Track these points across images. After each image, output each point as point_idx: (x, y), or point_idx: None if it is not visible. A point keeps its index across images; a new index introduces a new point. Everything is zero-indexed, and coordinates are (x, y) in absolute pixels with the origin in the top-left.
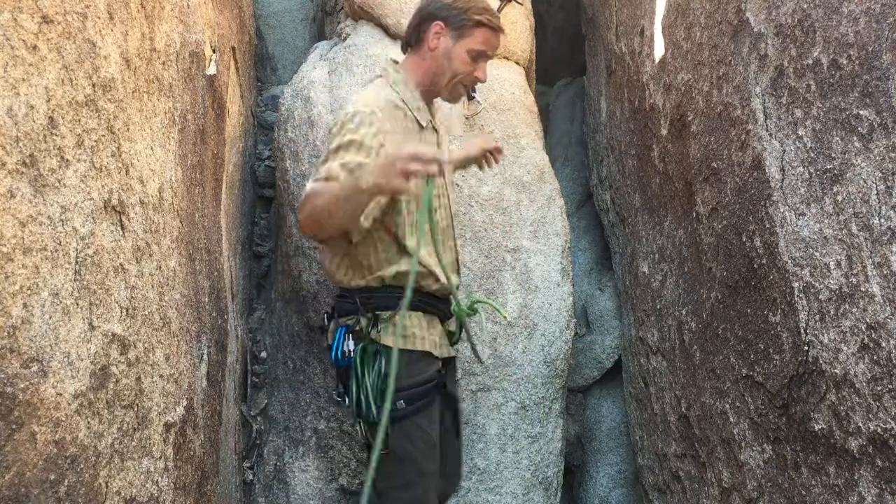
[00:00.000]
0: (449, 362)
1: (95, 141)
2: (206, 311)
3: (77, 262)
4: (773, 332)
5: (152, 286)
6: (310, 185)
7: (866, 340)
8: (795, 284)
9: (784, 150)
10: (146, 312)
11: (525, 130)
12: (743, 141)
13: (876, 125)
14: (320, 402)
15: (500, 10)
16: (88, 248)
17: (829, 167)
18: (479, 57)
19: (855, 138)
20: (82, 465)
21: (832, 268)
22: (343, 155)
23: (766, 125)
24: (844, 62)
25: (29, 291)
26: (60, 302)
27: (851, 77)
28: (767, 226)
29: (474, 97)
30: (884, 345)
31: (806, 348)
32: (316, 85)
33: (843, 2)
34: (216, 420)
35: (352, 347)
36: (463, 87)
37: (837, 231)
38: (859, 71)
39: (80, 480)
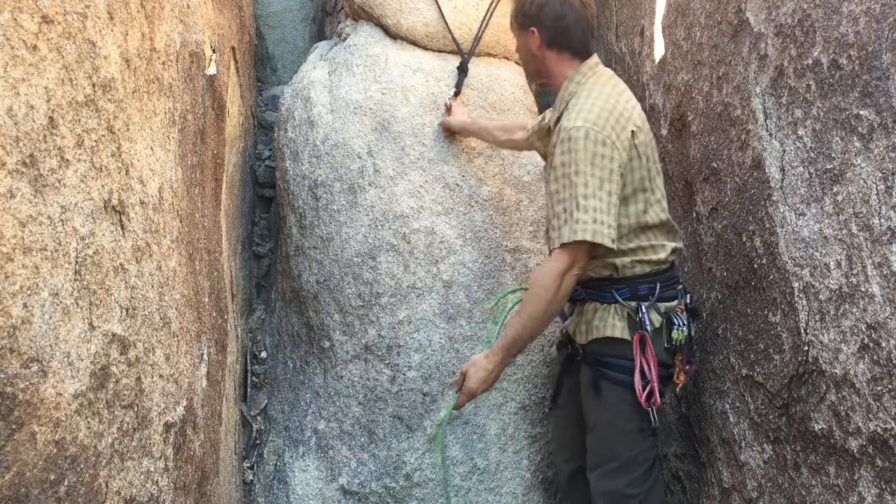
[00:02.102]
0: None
1: (95, 141)
2: (206, 311)
3: (77, 262)
4: (773, 332)
5: (152, 286)
6: None
7: (866, 340)
8: (795, 284)
9: (784, 150)
10: (146, 312)
11: None
12: (743, 141)
13: (876, 125)
14: (320, 402)
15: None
16: (88, 248)
17: (829, 167)
18: None
19: (855, 138)
20: (82, 465)
21: (832, 268)
22: None
23: (766, 125)
24: (844, 62)
25: (29, 291)
26: (60, 302)
27: (851, 77)
28: (767, 226)
29: (457, 92)
30: (884, 345)
31: (806, 348)
32: (316, 85)
33: (843, 2)
34: (216, 420)
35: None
36: None
37: (837, 231)
38: (859, 71)
39: (80, 480)
